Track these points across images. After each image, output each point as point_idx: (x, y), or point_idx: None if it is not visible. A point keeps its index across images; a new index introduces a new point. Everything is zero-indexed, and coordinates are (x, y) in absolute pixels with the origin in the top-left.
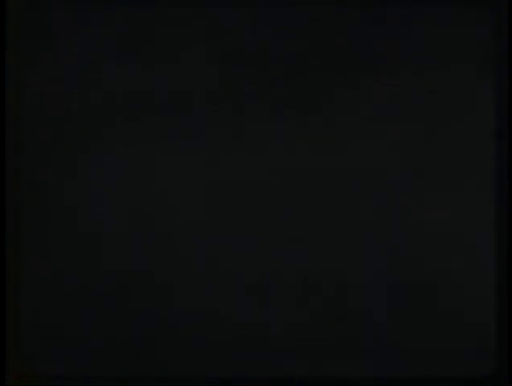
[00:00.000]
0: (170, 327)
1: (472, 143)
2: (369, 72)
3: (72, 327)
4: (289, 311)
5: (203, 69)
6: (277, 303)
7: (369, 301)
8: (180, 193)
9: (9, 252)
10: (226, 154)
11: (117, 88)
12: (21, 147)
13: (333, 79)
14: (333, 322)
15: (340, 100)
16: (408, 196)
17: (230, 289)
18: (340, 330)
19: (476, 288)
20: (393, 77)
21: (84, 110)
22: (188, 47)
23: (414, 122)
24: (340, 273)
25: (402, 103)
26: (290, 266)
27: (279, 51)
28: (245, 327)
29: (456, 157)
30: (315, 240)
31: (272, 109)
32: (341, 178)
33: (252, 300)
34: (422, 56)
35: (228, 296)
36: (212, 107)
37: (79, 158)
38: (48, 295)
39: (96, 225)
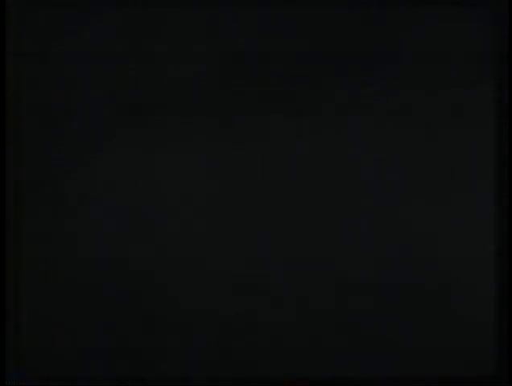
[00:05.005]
0: (170, 327)
1: (472, 143)
2: (369, 72)
3: (72, 328)
4: (289, 311)
5: (203, 69)
6: (276, 303)
7: (370, 302)
8: (180, 193)
9: (9, 253)
10: (226, 154)
11: (117, 87)
12: (21, 147)
13: (333, 79)
14: (333, 322)
15: (340, 100)
16: (408, 196)
17: (230, 288)
18: (340, 330)
19: (477, 288)
20: (393, 77)
21: (85, 110)
22: (188, 47)
23: (414, 122)
24: (340, 272)
25: (401, 103)
26: (289, 266)
27: (279, 51)
28: (244, 327)
29: (456, 157)
30: (316, 240)
31: (273, 109)
32: (342, 179)
33: (252, 300)
34: (422, 56)
35: (228, 296)
36: (212, 107)
37: (79, 159)
38: (48, 295)
39: (96, 226)
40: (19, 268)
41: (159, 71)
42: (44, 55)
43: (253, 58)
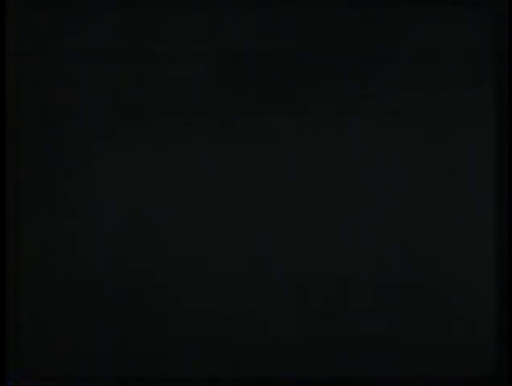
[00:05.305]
0: (169, 327)
1: (472, 143)
2: (369, 72)
3: (71, 327)
4: (289, 311)
5: (203, 69)
6: (277, 303)
7: (369, 301)
8: (180, 193)
9: (9, 253)
10: (226, 154)
11: (117, 88)
12: (21, 147)
13: (333, 79)
14: (333, 322)
15: (340, 100)
16: (408, 196)
17: (230, 288)
18: (339, 330)
19: (476, 288)
20: (393, 77)
21: (85, 110)
22: (188, 47)
23: (414, 122)
24: (340, 272)
25: (401, 103)
26: (289, 266)
27: (279, 51)
28: (244, 327)
29: (455, 157)
30: (316, 240)
31: (273, 109)
32: (342, 179)
33: (252, 300)
34: (422, 56)
35: (228, 296)
36: (212, 107)
37: (79, 159)
38: (48, 295)
39: (96, 226)
40: (19, 268)
41: (159, 71)
42: (44, 55)
43: (253, 58)
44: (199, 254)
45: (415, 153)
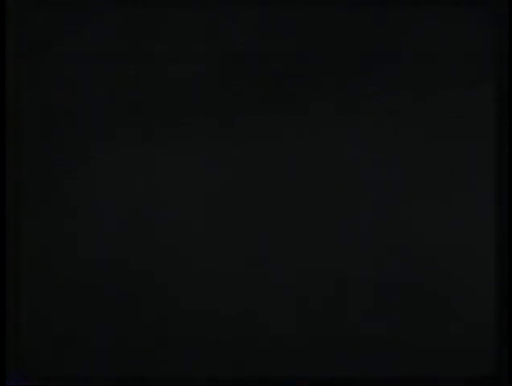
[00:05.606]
0: (169, 327)
1: (471, 143)
2: (369, 72)
3: (71, 327)
4: (289, 311)
5: (203, 69)
6: (277, 303)
7: (369, 301)
8: (180, 193)
9: (9, 253)
10: (226, 154)
11: (117, 87)
12: (21, 147)
13: (333, 79)
14: (333, 322)
15: (340, 100)
16: (408, 196)
17: (230, 288)
18: (339, 330)
19: (476, 288)
20: (393, 77)
21: (85, 110)
22: (188, 47)
23: (414, 122)
24: (340, 272)
25: (401, 103)
26: (289, 266)
27: (279, 51)
28: (243, 327)
29: (455, 157)
30: (316, 240)
31: (273, 109)
32: (342, 179)
33: (252, 300)
34: (422, 56)
35: (228, 296)
36: (212, 107)
37: (79, 159)
38: (48, 295)
39: (96, 226)
40: (19, 268)
41: (159, 71)
42: (44, 55)
43: (253, 58)
44: (199, 254)
45: (415, 153)
